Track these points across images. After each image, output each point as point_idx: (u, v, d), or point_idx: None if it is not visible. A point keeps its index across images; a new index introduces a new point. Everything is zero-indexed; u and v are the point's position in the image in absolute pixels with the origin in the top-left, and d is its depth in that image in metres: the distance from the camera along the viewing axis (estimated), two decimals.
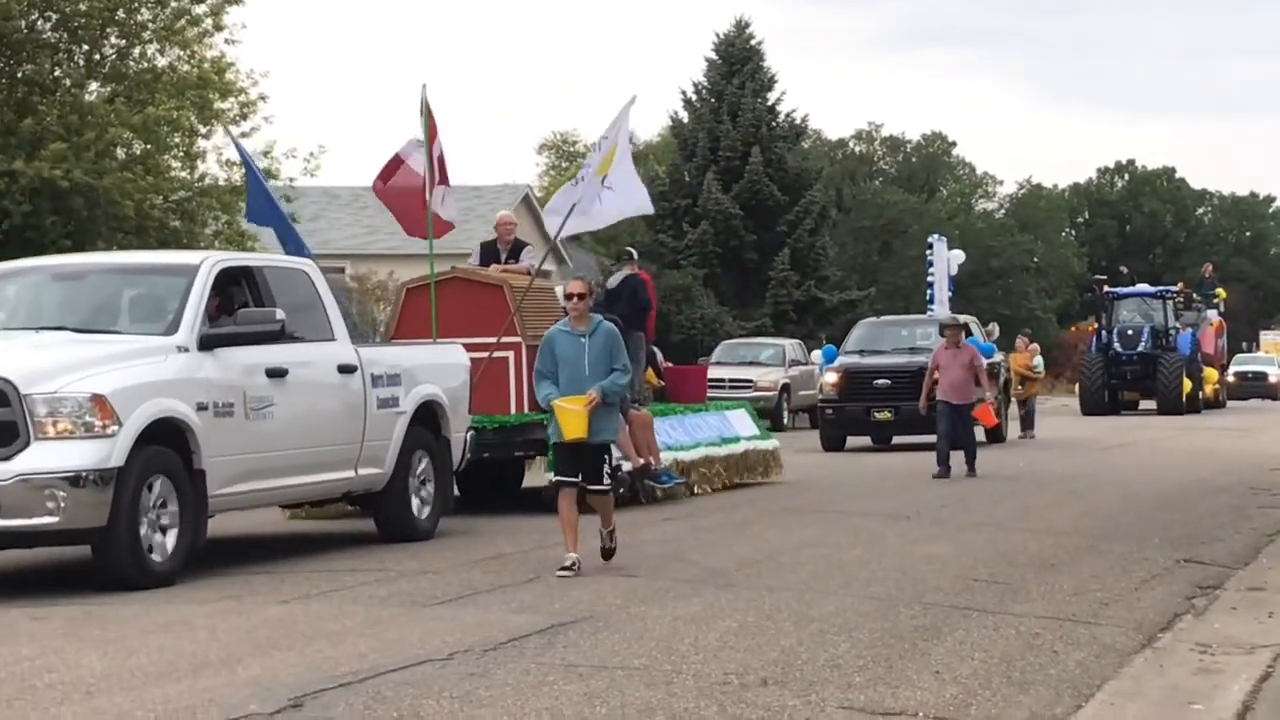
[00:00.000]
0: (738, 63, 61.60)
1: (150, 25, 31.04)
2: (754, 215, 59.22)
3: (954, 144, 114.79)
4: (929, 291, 42.74)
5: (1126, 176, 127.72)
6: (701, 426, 21.50)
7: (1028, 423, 35.95)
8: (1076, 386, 54.24)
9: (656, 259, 57.19)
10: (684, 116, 62.48)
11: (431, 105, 19.14)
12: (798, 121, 63.67)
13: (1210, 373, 54.15)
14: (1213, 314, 58.17)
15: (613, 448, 17.45)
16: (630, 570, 13.46)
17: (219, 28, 31.76)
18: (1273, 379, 74.78)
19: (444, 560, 14.19)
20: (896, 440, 32.43)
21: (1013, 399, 36.04)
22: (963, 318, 34.83)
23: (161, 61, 31.30)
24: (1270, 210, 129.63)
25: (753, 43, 62.45)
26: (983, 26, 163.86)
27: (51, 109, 29.25)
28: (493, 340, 18.71)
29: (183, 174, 32.02)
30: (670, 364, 25.23)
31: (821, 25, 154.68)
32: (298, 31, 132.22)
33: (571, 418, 13.03)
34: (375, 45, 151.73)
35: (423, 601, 11.89)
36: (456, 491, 17.95)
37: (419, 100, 19.22)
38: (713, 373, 41.51)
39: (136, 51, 31.12)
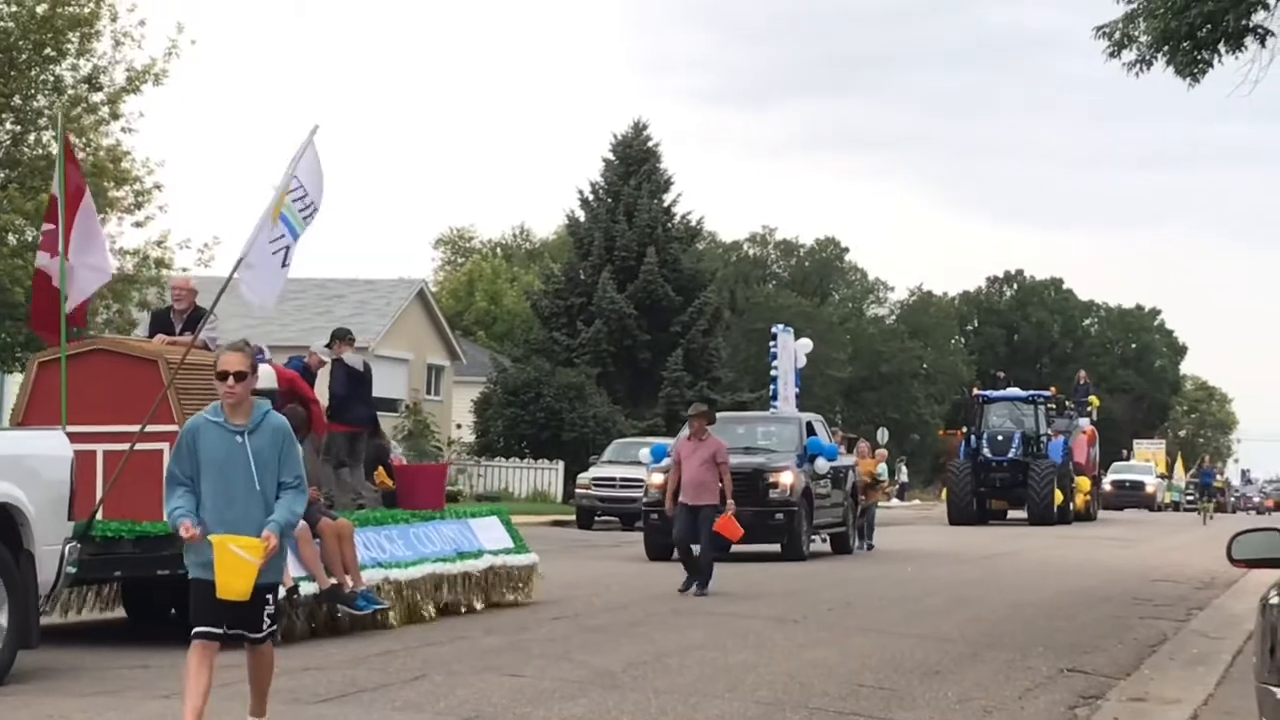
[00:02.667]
0: (635, 164, 62.06)
1: (46, 112, 30.89)
2: (648, 315, 59.48)
3: (846, 250, 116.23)
4: (771, 386, 37.86)
5: (1015, 286, 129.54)
6: (432, 538, 17.86)
7: (866, 532, 32.94)
8: (943, 493, 51.72)
9: (550, 356, 57.31)
10: (580, 216, 62.79)
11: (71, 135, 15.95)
12: (693, 223, 64.20)
13: (1082, 482, 52.32)
14: (1085, 422, 56.70)
15: (294, 565, 14.72)
16: (516, 669, 13.40)
17: (115, 116, 31.68)
18: (1150, 488, 74.04)
19: (329, 657, 14.06)
20: (736, 549, 28.26)
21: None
22: (807, 416, 32.42)
23: (56, 148, 31.12)
24: (1155, 323, 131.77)
25: (650, 144, 62.97)
26: (877, 134, 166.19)
27: None
28: (137, 428, 14.64)
29: None
30: (403, 461, 21.81)
31: (719, 128, 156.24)
32: (194, 120, 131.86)
33: (236, 569, 9.18)
34: (272, 136, 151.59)
35: (305, 699, 11.79)
36: None
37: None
38: (604, 472, 41.52)
39: (31, 138, 30.97)
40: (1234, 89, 19.05)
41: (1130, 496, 71.53)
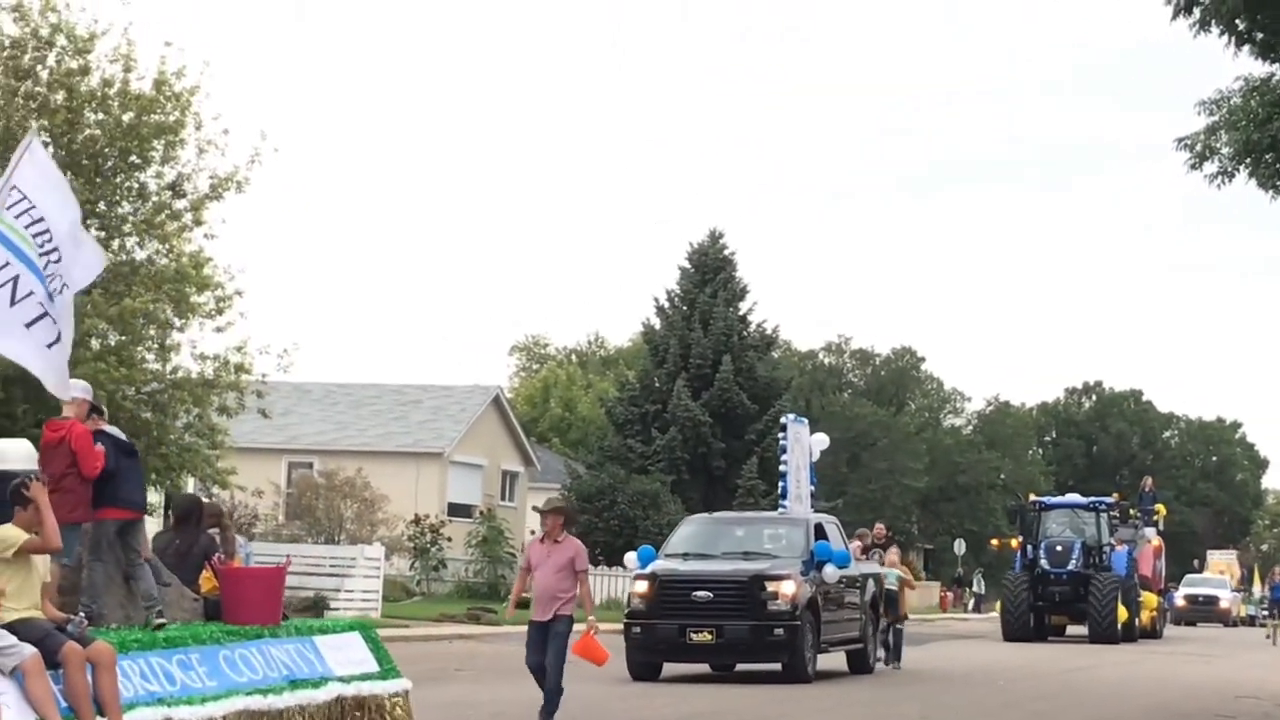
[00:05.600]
0: (711, 272, 62.25)
1: (130, 218, 31.29)
2: (723, 423, 59.43)
3: (923, 359, 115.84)
4: (781, 484, 32.78)
5: (1094, 397, 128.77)
6: (254, 662, 13.75)
7: (894, 651, 29.39)
8: (998, 608, 47.94)
9: (624, 463, 57.26)
10: (656, 323, 62.95)
11: None
12: (768, 331, 64.20)
13: (1148, 597, 48.30)
14: (1151, 532, 52.44)
15: (19, 709, 11.07)
16: None
17: (199, 223, 32.02)
18: (1224, 604, 71.15)
19: None
20: (741, 667, 26.06)
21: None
22: (817, 517, 28.38)
23: (140, 254, 31.51)
24: (1236, 435, 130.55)
25: (726, 253, 63.17)
26: (953, 243, 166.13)
27: None
28: None
29: (155, 366, 32.09)
30: (234, 559, 16.58)
31: (795, 235, 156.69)
32: (273, 227, 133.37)
33: None
34: (348, 244, 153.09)
35: None
36: None
37: None
38: None
39: (116, 244, 31.32)
40: None
41: (1203, 611, 69.25)
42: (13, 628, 10.97)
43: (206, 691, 12.77)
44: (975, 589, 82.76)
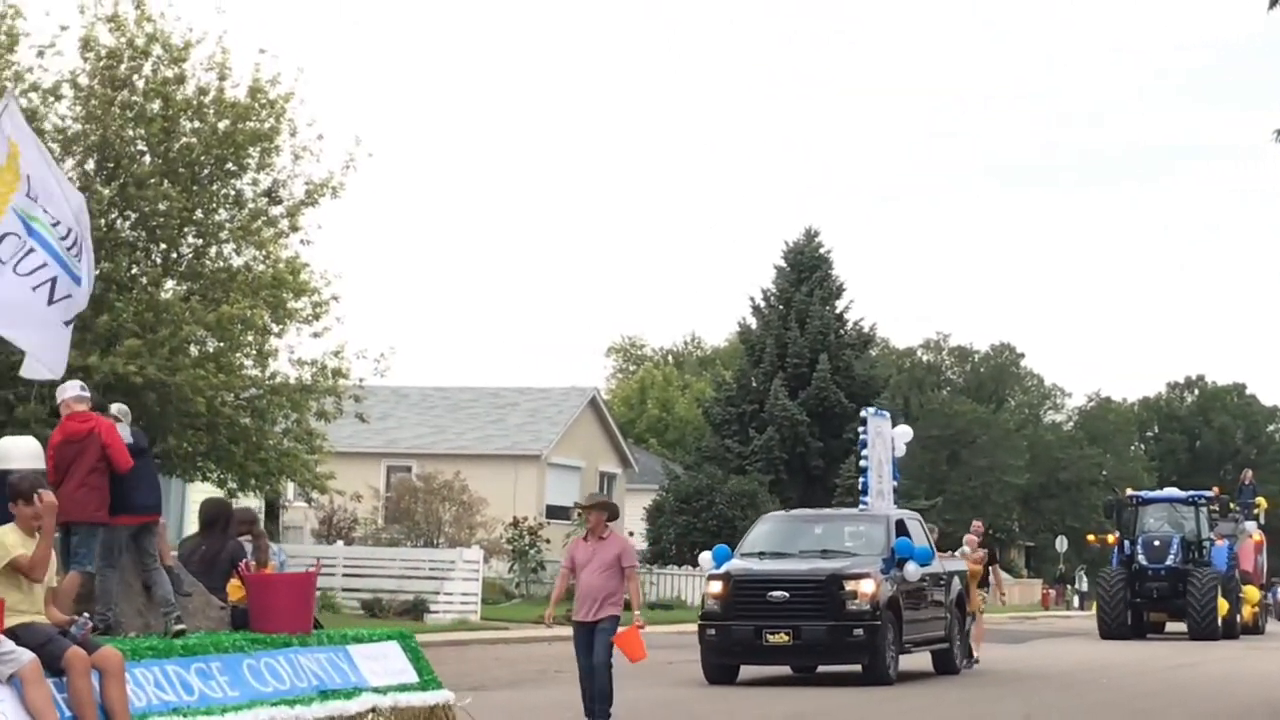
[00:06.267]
0: (806, 270, 62.12)
1: (227, 225, 31.50)
2: (821, 422, 59.25)
3: (1022, 355, 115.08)
4: (861, 479, 31.44)
5: (1197, 391, 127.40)
6: (281, 671, 12.90)
7: (967, 646, 28.07)
8: (1094, 605, 47.16)
9: (722, 464, 57.19)
10: (752, 323, 62.89)
11: None
12: (865, 330, 63.97)
13: (1250, 592, 47.02)
14: (1252, 526, 50.47)
15: (15, 713, 10.67)
16: None
17: (295, 229, 32.21)
18: None
19: None
20: (823, 669, 25.40)
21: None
22: (899, 513, 27.60)
23: (237, 261, 31.74)
24: None
25: (821, 251, 63.02)
26: (1050, 240, 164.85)
27: (128, 306, 29.62)
28: None
29: (254, 372, 32.32)
30: (267, 567, 15.71)
31: (890, 233, 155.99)
32: (369, 231, 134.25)
33: None
34: (445, 247, 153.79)
35: None
36: None
37: None
38: None
39: (213, 251, 31.57)
40: None
41: None
42: (13, 633, 10.62)
43: (228, 702, 12.13)
44: (1078, 586, 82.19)
